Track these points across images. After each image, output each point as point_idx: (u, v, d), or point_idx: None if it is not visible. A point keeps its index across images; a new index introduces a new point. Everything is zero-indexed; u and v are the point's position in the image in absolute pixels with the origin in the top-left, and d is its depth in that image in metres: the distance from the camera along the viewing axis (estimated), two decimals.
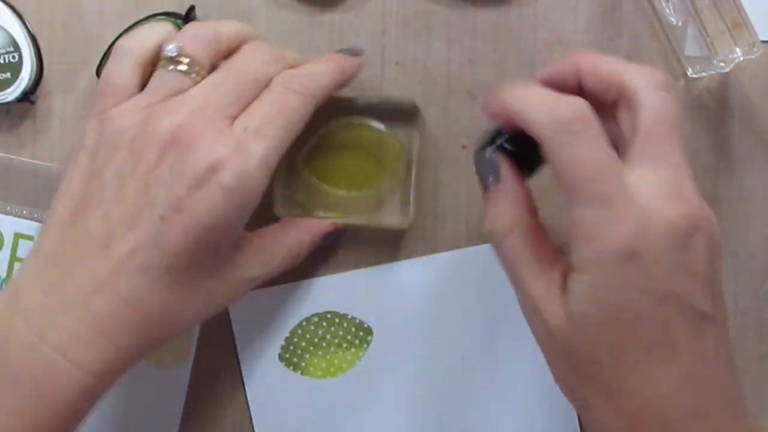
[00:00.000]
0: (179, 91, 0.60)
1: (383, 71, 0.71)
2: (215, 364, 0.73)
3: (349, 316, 0.72)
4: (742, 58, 0.66)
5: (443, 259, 0.72)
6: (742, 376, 0.70)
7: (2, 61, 0.70)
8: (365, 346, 0.72)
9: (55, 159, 0.72)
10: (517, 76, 0.71)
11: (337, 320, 0.72)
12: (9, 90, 0.70)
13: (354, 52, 0.67)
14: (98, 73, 0.71)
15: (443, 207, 0.71)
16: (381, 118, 0.69)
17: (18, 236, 0.73)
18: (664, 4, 0.69)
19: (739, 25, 0.66)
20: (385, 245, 0.72)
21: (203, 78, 0.61)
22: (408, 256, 0.72)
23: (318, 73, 0.63)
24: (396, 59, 0.71)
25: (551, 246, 0.58)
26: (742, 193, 0.71)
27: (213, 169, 0.56)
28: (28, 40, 0.70)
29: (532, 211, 0.59)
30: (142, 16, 0.70)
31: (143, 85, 0.62)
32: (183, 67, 0.60)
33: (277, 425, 0.72)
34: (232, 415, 0.73)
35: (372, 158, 0.69)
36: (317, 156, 0.70)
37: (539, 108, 0.54)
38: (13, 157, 0.72)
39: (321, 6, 0.71)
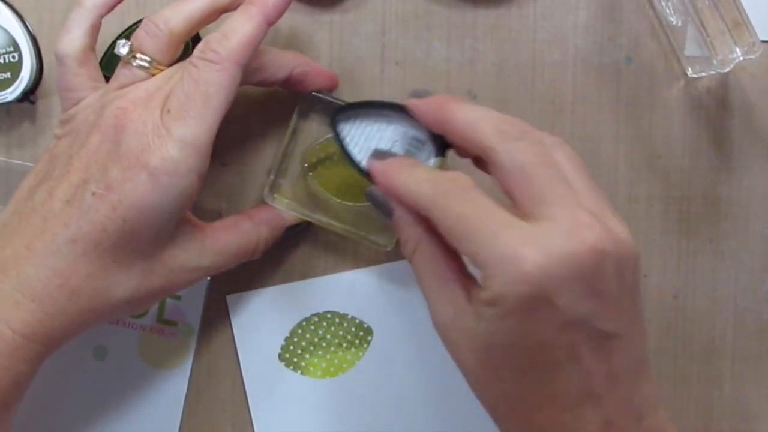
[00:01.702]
0: (134, 83, 0.62)
1: (383, 71, 0.71)
2: (215, 364, 0.73)
3: (349, 316, 0.72)
4: (742, 58, 0.66)
5: None
6: (742, 376, 0.71)
7: (2, 61, 0.70)
8: (365, 346, 0.72)
9: None
10: (517, 76, 0.71)
11: (337, 320, 0.72)
12: (9, 90, 0.70)
13: None
14: None
15: None
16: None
17: None
18: (664, 4, 0.69)
19: (739, 25, 0.66)
20: None
21: (153, 69, 0.62)
22: (397, 257, 0.72)
23: (233, 31, 0.60)
24: (396, 59, 0.71)
25: (458, 263, 0.59)
26: (741, 193, 0.71)
27: (141, 152, 0.58)
28: (28, 40, 0.70)
29: (433, 231, 0.59)
30: (141, 16, 0.70)
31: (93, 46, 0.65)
32: (140, 62, 0.62)
33: (277, 425, 0.72)
34: (232, 415, 0.73)
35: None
36: (320, 157, 0.69)
37: (423, 185, 0.58)
38: (10, 160, 0.72)
39: (321, 6, 0.71)
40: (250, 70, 0.63)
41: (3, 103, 0.71)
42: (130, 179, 0.58)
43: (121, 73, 0.62)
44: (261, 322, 0.72)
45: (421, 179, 0.58)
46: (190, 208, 0.62)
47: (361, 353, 0.72)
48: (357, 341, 0.72)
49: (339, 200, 0.69)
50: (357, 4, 0.71)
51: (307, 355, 0.72)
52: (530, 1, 0.71)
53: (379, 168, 0.61)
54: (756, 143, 0.71)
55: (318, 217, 0.69)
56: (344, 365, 0.72)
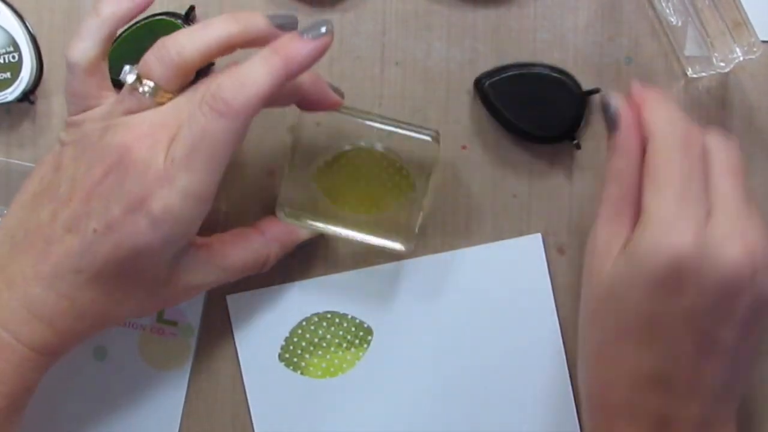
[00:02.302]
0: (140, 110, 0.60)
1: (383, 71, 0.71)
2: (215, 364, 0.73)
3: (350, 316, 0.72)
4: (742, 58, 0.66)
5: (443, 259, 0.72)
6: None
7: (2, 61, 0.70)
8: (365, 346, 0.72)
9: None
10: None
11: (337, 320, 0.72)
12: (9, 90, 0.70)
13: (319, 30, 0.59)
14: None
15: (443, 207, 0.71)
16: (400, 147, 0.68)
17: None
18: (664, 4, 0.69)
19: (739, 25, 0.66)
20: None
21: (168, 99, 0.60)
22: (408, 257, 0.72)
23: (250, 81, 0.57)
24: (396, 59, 0.71)
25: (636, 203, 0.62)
26: None
27: (143, 198, 0.57)
28: (28, 40, 0.70)
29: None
30: (141, 17, 0.70)
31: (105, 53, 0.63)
32: (146, 89, 0.59)
33: (277, 425, 0.72)
34: (232, 415, 0.73)
35: (384, 185, 0.68)
36: (330, 171, 0.68)
37: (671, 128, 0.62)
38: (10, 160, 0.72)
39: (321, 6, 0.71)
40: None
41: (3, 103, 0.71)
42: (132, 223, 0.57)
43: (126, 98, 0.60)
44: (261, 322, 0.72)
45: (672, 120, 0.62)
46: None
47: (361, 353, 0.72)
48: (357, 341, 0.72)
49: (346, 210, 0.69)
50: (357, 4, 0.71)
51: (307, 355, 0.72)
52: (530, 1, 0.71)
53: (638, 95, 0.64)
54: (756, 143, 0.71)
55: (333, 230, 0.69)
56: (344, 365, 0.72)
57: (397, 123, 0.67)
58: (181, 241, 0.60)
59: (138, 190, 0.57)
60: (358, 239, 0.69)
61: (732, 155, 0.62)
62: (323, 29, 0.58)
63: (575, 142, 0.70)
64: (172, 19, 0.70)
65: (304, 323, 0.72)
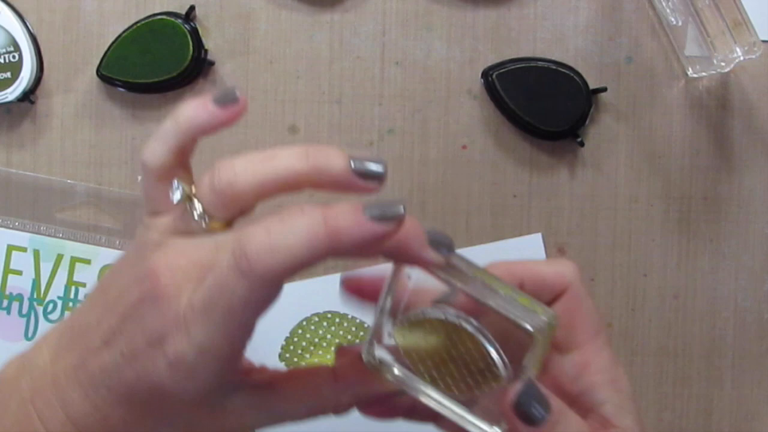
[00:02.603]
0: (192, 232, 0.53)
1: (383, 71, 0.71)
2: None
3: (350, 316, 0.72)
4: (742, 58, 0.66)
5: None
6: (742, 376, 0.71)
7: (2, 61, 0.70)
8: None
9: (55, 159, 0.72)
10: None
11: (337, 320, 0.72)
12: (9, 90, 0.70)
13: (386, 213, 0.48)
14: (98, 73, 0.71)
15: (444, 205, 0.72)
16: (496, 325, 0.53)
17: (11, 248, 0.73)
18: (664, 4, 0.69)
19: (739, 24, 0.66)
20: None
21: (216, 228, 0.52)
22: None
23: (284, 244, 0.47)
24: (396, 59, 0.71)
25: None
26: (742, 193, 0.71)
27: (162, 336, 0.51)
28: (28, 40, 0.70)
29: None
30: (142, 16, 0.71)
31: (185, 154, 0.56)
32: (196, 213, 0.52)
33: (276, 426, 0.72)
34: None
35: (468, 367, 0.54)
36: (411, 333, 0.55)
37: None
38: (11, 170, 0.73)
39: (321, 6, 0.71)
40: None
41: (3, 103, 0.71)
42: (151, 359, 0.52)
43: (177, 213, 0.53)
44: (261, 321, 0.72)
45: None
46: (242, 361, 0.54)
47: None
48: (357, 341, 0.72)
49: (435, 386, 0.56)
50: (357, 4, 0.71)
51: (308, 355, 0.72)
52: (530, 1, 0.71)
53: None
54: (756, 143, 0.71)
55: (420, 391, 0.55)
56: None
57: (500, 297, 0.53)
58: (206, 391, 0.53)
59: (158, 326, 0.51)
60: (448, 414, 0.55)
61: None
62: (398, 210, 0.47)
63: (579, 139, 0.70)
64: (172, 19, 0.70)
65: (304, 323, 0.72)
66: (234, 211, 0.52)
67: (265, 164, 0.50)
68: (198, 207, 0.51)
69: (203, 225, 0.52)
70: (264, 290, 0.48)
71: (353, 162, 0.49)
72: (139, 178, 0.55)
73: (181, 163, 0.55)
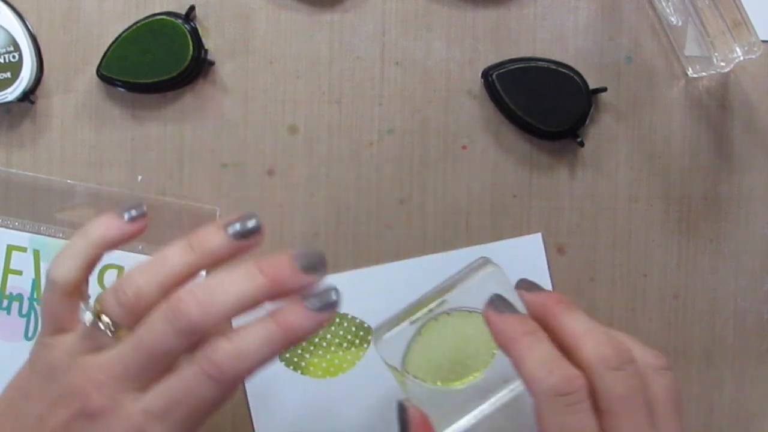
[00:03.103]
0: (101, 347, 0.56)
1: (383, 71, 0.71)
2: None
3: (350, 316, 0.72)
4: (742, 58, 0.66)
5: (443, 258, 0.72)
6: (742, 376, 0.71)
7: (2, 61, 0.70)
8: (365, 346, 0.72)
9: (55, 159, 0.72)
10: None
11: (337, 320, 0.72)
12: (9, 90, 0.70)
13: (324, 302, 0.56)
14: (98, 73, 0.71)
15: (444, 205, 0.72)
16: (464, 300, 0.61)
17: (11, 248, 0.73)
18: (664, 4, 0.69)
19: (739, 24, 0.66)
20: (385, 244, 0.72)
21: (124, 335, 0.56)
22: (408, 256, 0.72)
23: (248, 351, 0.53)
24: (396, 59, 0.71)
25: None
26: (742, 193, 0.71)
27: None
28: (28, 40, 0.70)
29: None
30: (142, 16, 0.70)
31: (88, 274, 0.60)
32: (104, 327, 0.56)
33: (277, 425, 0.72)
34: (233, 414, 0.73)
35: (469, 344, 0.63)
36: (414, 358, 0.62)
37: (539, 368, 0.55)
38: (10, 170, 0.73)
39: (321, 6, 0.71)
40: None
41: (3, 103, 0.71)
42: None
43: (88, 334, 0.56)
44: None
45: (541, 361, 0.56)
46: None
47: (361, 353, 0.72)
48: (357, 341, 0.72)
49: (443, 383, 0.63)
50: (357, 4, 0.71)
51: (308, 355, 0.72)
52: (530, 1, 0.71)
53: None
54: (756, 143, 0.71)
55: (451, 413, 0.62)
56: (344, 365, 0.72)
57: (448, 285, 0.62)
58: None
59: None
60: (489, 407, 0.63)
61: (671, 377, 0.58)
62: (332, 297, 0.55)
63: (579, 139, 0.70)
64: (172, 19, 0.70)
65: None
66: (141, 316, 0.55)
67: (161, 269, 0.56)
68: (106, 321, 0.56)
69: (115, 335, 0.56)
70: (230, 391, 0.54)
71: (230, 229, 0.57)
72: (43, 294, 0.60)
73: (86, 278, 0.60)
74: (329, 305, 0.55)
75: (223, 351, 0.53)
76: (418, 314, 0.62)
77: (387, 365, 0.63)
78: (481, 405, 0.64)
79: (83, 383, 0.55)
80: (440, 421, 0.63)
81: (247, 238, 0.57)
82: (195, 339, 0.54)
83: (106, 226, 0.60)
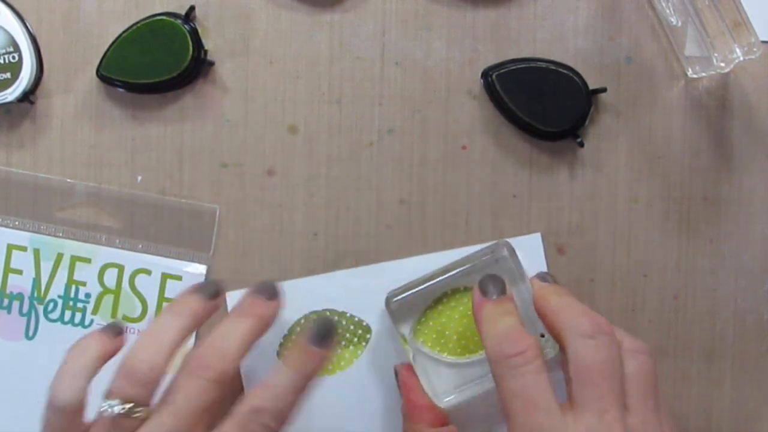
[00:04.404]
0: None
1: (383, 71, 0.71)
2: None
3: (348, 314, 0.72)
4: (742, 58, 0.66)
5: (443, 258, 0.72)
6: (742, 376, 0.71)
7: (2, 61, 0.70)
8: (364, 344, 0.72)
9: (55, 159, 0.72)
10: None
11: (336, 318, 0.72)
12: (9, 90, 0.70)
13: (269, 290, 0.65)
14: (98, 73, 0.71)
15: (444, 205, 0.72)
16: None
17: (11, 247, 0.73)
18: (664, 4, 0.69)
19: (739, 25, 0.66)
20: (385, 244, 0.72)
21: (147, 414, 0.59)
22: (407, 255, 0.72)
23: (230, 347, 0.61)
24: (396, 59, 0.71)
25: None
26: (742, 193, 0.71)
27: None
28: (28, 40, 0.70)
29: None
30: (142, 16, 0.70)
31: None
32: (124, 410, 0.58)
33: None
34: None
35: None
36: (427, 327, 0.70)
37: (492, 337, 0.60)
38: (10, 169, 0.73)
39: (321, 6, 0.71)
40: None
41: (3, 103, 0.71)
42: None
43: (110, 428, 0.59)
44: None
45: (495, 332, 0.61)
46: None
47: (359, 351, 0.72)
48: (355, 339, 0.72)
49: (456, 356, 0.70)
50: (357, 4, 0.71)
51: None
52: (530, 1, 0.71)
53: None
54: (756, 143, 0.71)
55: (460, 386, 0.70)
56: (342, 363, 0.72)
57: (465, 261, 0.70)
58: None
59: None
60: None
61: (647, 361, 0.60)
62: (275, 288, 0.65)
63: (579, 139, 0.70)
64: (172, 19, 0.70)
65: (302, 320, 0.72)
66: (156, 389, 0.59)
67: (163, 339, 0.60)
68: (127, 406, 0.58)
69: (137, 416, 0.58)
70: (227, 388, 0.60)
71: (204, 293, 0.63)
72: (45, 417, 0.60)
73: (88, 394, 0.60)
74: (276, 292, 0.65)
75: (208, 359, 0.60)
76: (431, 282, 0.69)
77: (395, 327, 0.69)
78: (482, 381, 0.68)
79: None
80: (440, 391, 0.68)
81: (216, 298, 0.64)
82: (226, 389, 0.59)
83: (100, 343, 0.62)
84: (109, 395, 0.58)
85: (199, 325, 0.63)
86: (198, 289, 0.64)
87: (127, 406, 0.58)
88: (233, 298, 0.72)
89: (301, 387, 0.60)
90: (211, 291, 0.64)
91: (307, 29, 0.72)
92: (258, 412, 0.59)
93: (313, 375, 0.61)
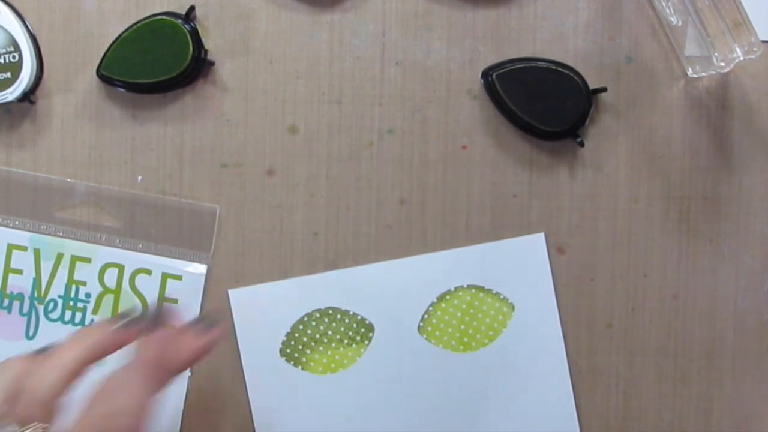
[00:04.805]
0: None
1: (383, 71, 0.71)
2: (216, 358, 0.73)
3: (351, 313, 0.72)
4: (742, 58, 0.66)
5: (444, 257, 0.72)
6: (742, 376, 0.71)
7: (2, 61, 0.70)
8: (366, 342, 0.72)
9: (55, 159, 0.72)
10: None
11: (338, 316, 0.72)
12: (9, 90, 0.70)
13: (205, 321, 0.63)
14: (98, 72, 0.71)
15: (443, 205, 0.72)
16: None
17: (11, 247, 0.73)
18: (664, 4, 0.69)
19: (739, 25, 0.66)
20: (386, 242, 0.72)
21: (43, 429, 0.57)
22: (409, 254, 0.72)
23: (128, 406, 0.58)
24: (396, 59, 0.71)
25: None
26: (742, 193, 0.71)
27: None
28: (28, 40, 0.70)
29: None
30: (142, 16, 0.70)
31: None
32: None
33: (277, 420, 0.73)
34: (233, 410, 0.73)
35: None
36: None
37: None
38: (10, 169, 0.73)
39: (321, 6, 0.71)
40: None
41: (3, 103, 0.71)
42: None
43: None
44: (262, 317, 0.73)
45: None
46: None
47: (362, 350, 0.72)
48: (358, 338, 0.72)
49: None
50: (357, 4, 0.71)
51: (308, 351, 0.73)
52: (530, 1, 0.71)
53: None
54: (756, 143, 0.71)
55: None
56: (345, 362, 0.73)
57: None
58: None
59: None
60: None
61: None
62: (213, 323, 0.62)
63: (579, 139, 0.70)
64: (173, 19, 0.70)
65: (305, 319, 0.72)
66: (58, 406, 0.57)
67: (59, 365, 0.57)
68: (33, 427, 0.55)
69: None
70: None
71: (121, 324, 0.60)
72: None
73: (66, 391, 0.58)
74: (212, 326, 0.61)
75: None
76: None
77: None
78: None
79: None
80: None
81: (131, 329, 0.60)
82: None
83: (100, 333, 0.60)
84: (4, 417, 0.56)
85: (104, 354, 0.59)
86: (112, 320, 0.60)
87: (26, 428, 0.56)
88: (235, 296, 0.72)
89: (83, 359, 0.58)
90: (126, 323, 0.60)
91: (307, 29, 0.72)
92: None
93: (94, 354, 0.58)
